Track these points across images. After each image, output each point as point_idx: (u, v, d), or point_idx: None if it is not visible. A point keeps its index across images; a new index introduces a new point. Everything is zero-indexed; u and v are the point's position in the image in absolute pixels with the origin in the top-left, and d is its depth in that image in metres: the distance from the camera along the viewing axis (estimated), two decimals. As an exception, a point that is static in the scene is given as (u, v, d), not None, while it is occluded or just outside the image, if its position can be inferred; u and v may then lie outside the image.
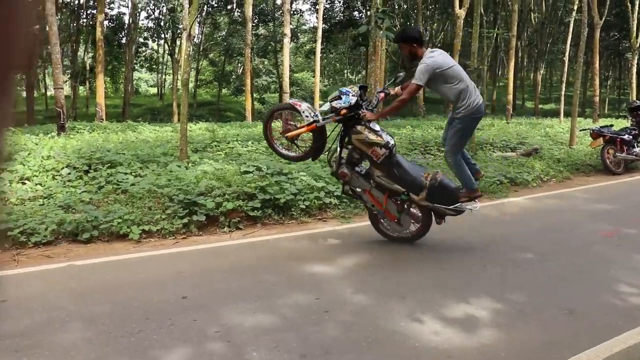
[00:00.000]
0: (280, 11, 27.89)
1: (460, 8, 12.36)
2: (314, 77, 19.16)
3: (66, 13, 31.32)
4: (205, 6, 31.85)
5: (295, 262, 4.52)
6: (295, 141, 5.14)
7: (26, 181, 6.41)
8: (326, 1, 32.08)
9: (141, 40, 35.60)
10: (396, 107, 4.94)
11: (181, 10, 16.58)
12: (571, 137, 12.39)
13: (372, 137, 4.68)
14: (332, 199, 6.45)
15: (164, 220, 5.45)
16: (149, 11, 32.52)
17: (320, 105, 6.02)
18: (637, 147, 10.52)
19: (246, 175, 6.58)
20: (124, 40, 33.73)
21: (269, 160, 7.41)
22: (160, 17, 32.65)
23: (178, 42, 30.41)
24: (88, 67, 33.11)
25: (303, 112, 4.90)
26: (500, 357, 2.89)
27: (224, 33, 36.81)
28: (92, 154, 7.16)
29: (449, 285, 4.02)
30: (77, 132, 11.45)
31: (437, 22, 39.93)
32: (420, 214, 4.98)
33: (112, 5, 34.11)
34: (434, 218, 4.91)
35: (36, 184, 6.37)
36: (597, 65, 20.53)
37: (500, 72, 43.82)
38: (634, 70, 22.62)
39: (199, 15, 28.11)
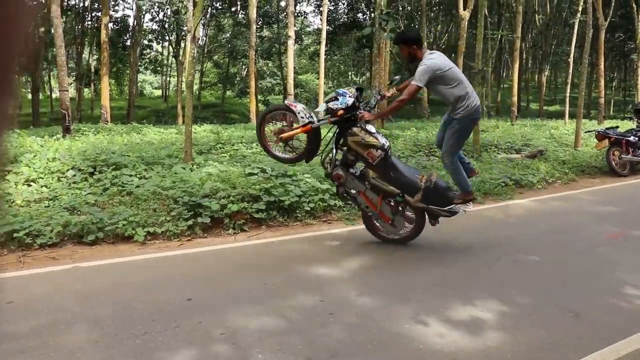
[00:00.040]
0: (285, 13, 27.97)
1: (464, 9, 12.33)
2: (318, 79, 19.17)
3: (71, 15, 31.48)
4: (210, 8, 31.92)
5: (300, 264, 4.52)
6: (289, 142, 5.12)
7: (32, 183, 6.44)
8: (330, 3, 32.11)
9: (146, 42, 35.65)
10: (395, 107, 4.98)
11: (185, 13, 16.65)
12: (576, 138, 12.35)
13: (369, 138, 4.67)
14: (336, 201, 6.44)
15: (169, 222, 5.45)
16: (154, 13, 32.59)
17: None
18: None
19: (251, 177, 6.58)
20: (128, 43, 33.82)
21: (273, 162, 7.40)
22: (165, 19, 32.70)
23: (182, 44, 30.46)
24: (93, 70, 33.24)
25: (298, 113, 4.88)
26: (506, 359, 2.88)
27: (228, 35, 36.90)
28: (97, 156, 7.17)
29: (454, 287, 4.01)
30: (82, 134, 11.49)
31: (441, 23, 39.91)
32: (413, 216, 4.99)
33: (116, 8, 34.28)
34: (427, 219, 4.92)
35: (42, 186, 6.39)
36: (602, 66, 20.44)
37: (504, 74, 43.76)
38: (640, 71, 22.55)
39: (203, 18, 28.17)
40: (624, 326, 3.30)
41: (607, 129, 10.92)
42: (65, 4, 28.71)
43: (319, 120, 4.86)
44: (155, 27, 34.92)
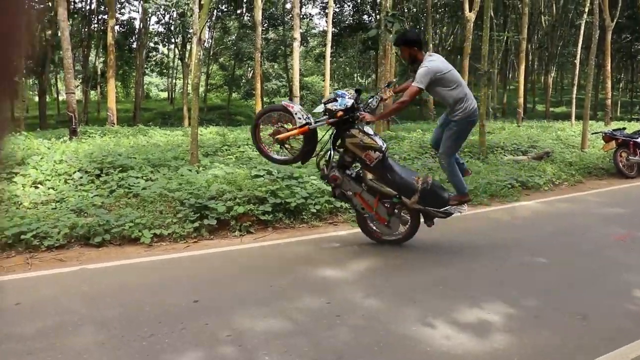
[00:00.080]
0: (290, 15, 28.03)
1: (470, 11, 12.32)
2: (323, 80, 19.15)
3: (78, 18, 31.65)
4: (215, 11, 32.00)
5: (306, 266, 4.52)
6: (285, 144, 5.08)
7: (39, 185, 6.47)
8: (336, 5, 32.11)
9: (152, 44, 35.77)
10: (396, 108, 5.04)
11: (191, 15, 16.68)
12: (583, 140, 12.30)
13: (367, 140, 4.68)
14: (342, 203, 6.44)
15: (175, 224, 5.47)
16: (160, 16, 32.70)
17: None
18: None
19: (257, 179, 6.59)
20: (134, 45, 33.93)
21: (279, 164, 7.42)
22: (171, 21, 32.80)
23: (188, 47, 30.52)
24: (99, 72, 33.38)
25: (295, 114, 4.86)
26: (513, 362, 2.87)
27: (233, 37, 36.96)
28: (103, 158, 7.21)
29: (460, 289, 4.00)
30: (89, 136, 11.56)
31: (447, 25, 39.78)
32: (408, 217, 5.00)
33: (123, 11, 34.41)
34: (422, 220, 4.93)
35: (49, 188, 6.42)
36: (608, 67, 20.37)
37: (510, 75, 43.59)
38: (646, 72, 22.45)
39: (209, 20, 28.26)
40: (632, 329, 3.28)
41: (614, 130, 10.88)
42: (72, 7, 28.86)
43: (316, 122, 4.85)
44: (161, 29, 35.07)
